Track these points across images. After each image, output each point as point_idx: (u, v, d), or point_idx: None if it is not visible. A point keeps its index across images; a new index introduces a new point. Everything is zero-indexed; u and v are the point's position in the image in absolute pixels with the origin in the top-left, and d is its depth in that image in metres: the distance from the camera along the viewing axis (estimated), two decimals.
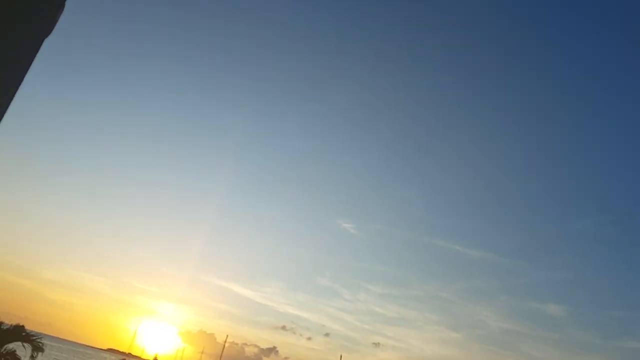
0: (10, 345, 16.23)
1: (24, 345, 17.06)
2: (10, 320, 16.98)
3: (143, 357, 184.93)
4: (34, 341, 16.95)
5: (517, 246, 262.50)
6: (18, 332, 16.69)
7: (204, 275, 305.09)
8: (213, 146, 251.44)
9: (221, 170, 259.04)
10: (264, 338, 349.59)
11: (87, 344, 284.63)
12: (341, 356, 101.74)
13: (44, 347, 17.52)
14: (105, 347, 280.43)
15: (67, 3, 2.47)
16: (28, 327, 17.40)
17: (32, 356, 17.14)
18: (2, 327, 16.54)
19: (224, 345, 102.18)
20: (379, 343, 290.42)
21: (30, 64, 1.95)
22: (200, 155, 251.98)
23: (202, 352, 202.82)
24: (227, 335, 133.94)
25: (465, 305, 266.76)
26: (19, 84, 1.94)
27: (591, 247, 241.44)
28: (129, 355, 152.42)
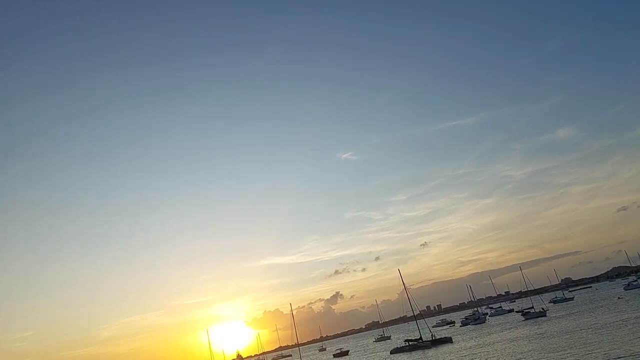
0: None
1: None
2: None
3: (227, 358, 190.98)
4: None
5: (507, 91, 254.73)
6: None
7: (242, 264, 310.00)
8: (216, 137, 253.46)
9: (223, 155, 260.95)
10: (324, 289, 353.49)
11: None
12: (399, 270, 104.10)
13: None
14: None
15: None
16: None
17: None
18: None
19: (292, 314, 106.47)
20: (425, 242, 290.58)
21: None
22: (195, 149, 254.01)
23: (276, 330, 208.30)
24: (291, 304, 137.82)
25: (485, 170, 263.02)
26: None
27: (571, 62, 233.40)
28: None
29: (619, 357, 27.75)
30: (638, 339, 34.07)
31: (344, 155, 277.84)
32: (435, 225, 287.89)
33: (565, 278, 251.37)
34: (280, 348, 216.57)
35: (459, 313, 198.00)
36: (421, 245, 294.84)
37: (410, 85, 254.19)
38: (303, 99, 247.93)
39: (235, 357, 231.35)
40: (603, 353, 31.31)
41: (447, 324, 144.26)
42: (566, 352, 37.35)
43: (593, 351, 33.85)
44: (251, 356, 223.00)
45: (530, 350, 43.17)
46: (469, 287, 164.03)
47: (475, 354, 49.94)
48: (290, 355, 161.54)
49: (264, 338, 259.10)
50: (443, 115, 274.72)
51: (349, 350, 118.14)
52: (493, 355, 44.92)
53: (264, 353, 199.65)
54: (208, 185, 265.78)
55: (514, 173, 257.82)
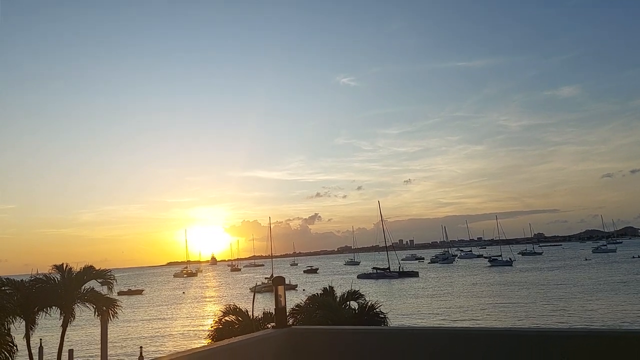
0: (87, 285, 17.47)
1: (99, 282, 18.37)
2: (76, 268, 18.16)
3: (202, 261, 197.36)
4: (104, 275, 18.25)
5: (519, 39, 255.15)
6: (88, 272, 17.84)
7: (228, 171, 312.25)
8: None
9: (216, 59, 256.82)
10: (304, 209, 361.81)
11: (148, 266, 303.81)
12: (379, 202, 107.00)
13: (113, 278, 18.82)
14: (165, 263, 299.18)
15: None
16: None
17: (108, 288, 18.41)
18: (72, 272, 17.69)
19: (270, 227, 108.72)
20: (409, 179, 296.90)
21: None
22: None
23: (252, 239, 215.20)
24: (270, 217, 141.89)
25: (482, 116, 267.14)
26: None
27: (593, 17, 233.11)
28: (188, 262, 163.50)
29: (563, 313, 28.69)
30: (593, 300, 35.16)
31: (343, 80, 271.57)
32: (422, 164, 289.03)
33: (538, 233, 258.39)
34: (254, 257, 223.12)
35: (430, 251, 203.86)
36: (405, 181, 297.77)
37: (420, 17, 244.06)
38: (306, 13, 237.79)
39: (210, 259, 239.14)
40: (550, 308, 32.47)
41: (417, 259, 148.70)
42: (517, 298, 38.67)
43: (542, 304, 35.09)
44: (225, 260, 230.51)
45: (485, 291, 44.68)
46: (443, 227, 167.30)
47: (435, 287, 51.61)
48: (263, 265, 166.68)
49: (240, 246, 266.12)
50: (449, 54, 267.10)
51: (318, 269, 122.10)
52: (450, 290, 46.46)
53: (237, 259, 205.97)
54: (202, 85, 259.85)
55: (510, 124, 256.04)
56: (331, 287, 16.57)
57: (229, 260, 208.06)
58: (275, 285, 5.51)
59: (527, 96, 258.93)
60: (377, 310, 14.68)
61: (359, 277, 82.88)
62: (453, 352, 3.60)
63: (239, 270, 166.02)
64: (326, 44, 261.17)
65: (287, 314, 6.44)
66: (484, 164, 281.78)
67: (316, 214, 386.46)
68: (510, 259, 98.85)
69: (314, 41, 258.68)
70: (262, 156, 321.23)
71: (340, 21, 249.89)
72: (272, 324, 4.68)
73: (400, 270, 79.11)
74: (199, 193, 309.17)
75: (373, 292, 47.48)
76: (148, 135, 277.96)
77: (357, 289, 16.53)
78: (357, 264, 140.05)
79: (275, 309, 5.24)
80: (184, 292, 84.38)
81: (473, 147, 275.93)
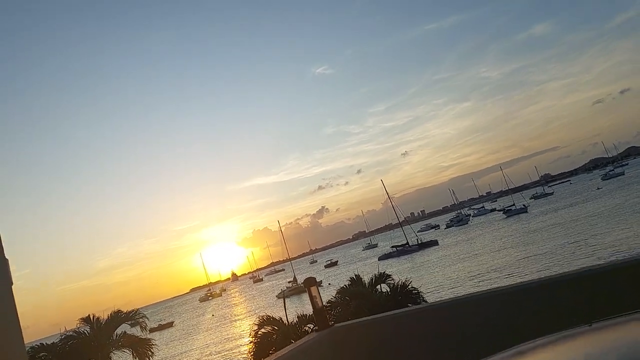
0: (118, 330, 17.30)
1: (129, 325, 18.20)
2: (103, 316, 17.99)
3: (223, 279, 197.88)
4: (133, 316, 18.05)
5: None
6: (117, 317, 17.65)
7: (227, 187, 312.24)
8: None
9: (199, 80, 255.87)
10: (310, 205, 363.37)
11: (172, 297, 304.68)
12: (382, 180, 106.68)
13: (143, 316, 18.63)
14: (188, 290, 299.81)
15: None
16: None
17: (141, 328, 18.22)
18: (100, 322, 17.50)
19: (281, 231, 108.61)
20: (406, 151, 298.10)
21: None
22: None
23: (267, 247, 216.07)
24: (278, 221, 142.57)
25: (463, 73, 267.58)
26: None
27: None
28: (210, 284, 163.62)
29: (590, 246, 28.47)
30: (619, 227, 34.93)
31: (317, 70, 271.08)
32: (415, 134, 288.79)
33: (545, 174, 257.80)
34: (273, 264, 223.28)
35: (443, 217, 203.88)
36: (402, 154, 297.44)
37: None
38: (267, 14, 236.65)
39: (230, 276, 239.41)
40: (578, 240, 32.25)
41: (432, 227, 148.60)
42: (545, 243, 38.44)
43: (575, 241, 34.87)
44: (245, 274, 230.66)
45: (510, 243, 44.48)
46: (451, 190, 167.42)
47: (459, 251, 51.45)
48: (283, 270, 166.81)
49: (256, 256, 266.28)
50: (418, 20, 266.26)
51: (337, 261, 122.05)
52: (475, 250, 46.30)
53: (257, 270, 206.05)
54: (182, 115, 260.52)
55: (491, 74, 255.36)
56: (357, 276, 16.40)
57: (249, 273, 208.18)
58: (308, 287, 5.28)
59: (502, 43, 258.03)
60: (409, 287, 14.52)
61: (380, 259, 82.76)
62: (494, 315, 3.38)
63: (261, 280, 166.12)
64: (294, 38, 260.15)
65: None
66: (475, 119, 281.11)
67: (323, 207, 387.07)
68: (524, 205, 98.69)
69: (282, 38, 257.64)
70: (257, 163, 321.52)
71: (301, 13, 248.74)
72: (310, 325, 4.49)
73: (419, 242, 79.00)
74: (205, 214, 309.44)
75: (399, 271, 47.34)
76: (145, 169, 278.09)
77: (383, 271, 16.39)
78: (375, 246, 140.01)
79: (313, 311, 5.02)
80: (213, 315, 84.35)
81: (460, 105, 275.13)
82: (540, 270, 28.21)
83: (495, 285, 28.00)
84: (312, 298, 5.22)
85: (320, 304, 5.16)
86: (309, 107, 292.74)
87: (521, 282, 3.76)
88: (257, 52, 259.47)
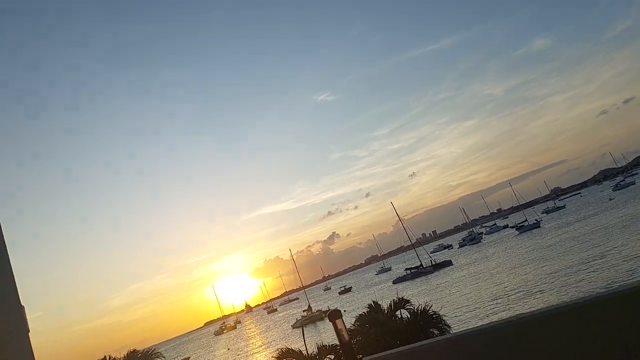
0: None
1: None
2: (119, 356, 17.76)
3: (237, 312, 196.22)
4: (149, 356, 17.78)
5: (479, 8, 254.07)
6: (133, 358, 17.41)
7: (237, 217, 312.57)
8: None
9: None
10: (320, 231, 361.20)
11: (188, 332, 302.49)
12: (392, 202, 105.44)
13: (160, 355, 18.37)
14: (202, 324, 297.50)
15: None
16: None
17: None
18: None
19: (293, 259, 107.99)
20: (413, 172, 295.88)
21: None
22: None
23: (279, 276, 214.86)
24: (290, 249, 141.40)
25: (465, 92, 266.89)
26: None
27: None
28: (224, 317, 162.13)
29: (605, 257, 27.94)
30: (636, 237, 34.35)
31: (320, 97, 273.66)
32: (421, 154, 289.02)
33: (555, 187, 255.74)
34: (286, 293, 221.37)
35: (455, 236, 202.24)
36: (410, 175, 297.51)
37: (378, 15, 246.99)
38: (268, 45, 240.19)
39: (244, 308, 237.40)
40: (596, 254, 31.63)
41: (445, 247, 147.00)
42: (562, 258, 37.78)
43: (593, 255, 34.25)
44: (259, 305, 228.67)
45: (527, 260, 43.75)
46: (462, 209, 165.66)
47: (475, 270, 50.69)
48: (297, 299, 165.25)
49: (269, 286, 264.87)
50: (416, 42, 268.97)
51: (351, 287, 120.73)
52: (492, 269, 45.58)
53: (271, 300, 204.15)
54: (188, 149, 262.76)
55: (493, 91, 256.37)
56: (376, 302, 16.09)
57: (262, 303, 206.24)
58: (333, 320, 5.06)
59: (502, 60, 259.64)
60: (429, 312, 14.18)
61: (394, 282, 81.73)
62: (528, 343, 3.14)
63: (276, 310, 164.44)
64: (295, 68, 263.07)
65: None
66: (480, 136, 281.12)
67: (334, 233, 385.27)
68: (536, 220, 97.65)
69: (283, 68, 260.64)
70: (265, 192, 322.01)
71: (301, 42, 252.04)
72: (330, 356, 4.25)
73: (433, 263, 78.08)
74: (216, 246, 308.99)
75: (415, 294, 46.64)
76: (154, 205, 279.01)
77: (401, 296, 16.07)
78: (389, 269, 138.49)
79: (340, 345, 4.78)
80: (228, 349, 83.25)
81: (464, 124, 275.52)
82: (563, 286, 27.61)
83: (519, 307, 27.35)
84: (338, 331, 4.98)
85: (347, 338, 4.91)
86: (313, 134, 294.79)
87: (562, 304, 3.46)
88: (260, 83, 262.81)
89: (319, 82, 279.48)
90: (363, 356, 4.67)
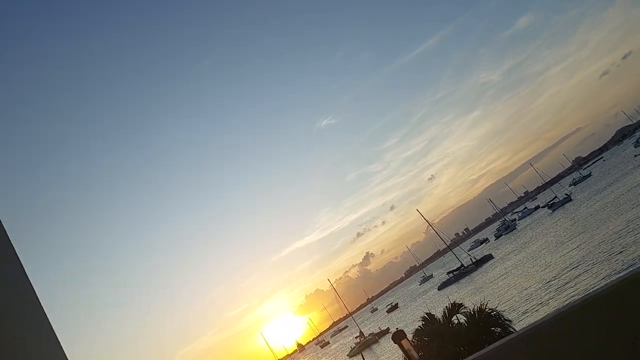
0: None
1: None
2: None
3: (290, 352, 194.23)
4: None
5: (450, 4, 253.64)
6: None
7: (269, 260, 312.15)
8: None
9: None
10: (354, 254, 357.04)
11: None
12: (418, 210, 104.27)
13: None
14: None
15: None
16: None
17: None
18: None
19: (334, 288, 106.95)
20: (432, 175, 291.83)
21: None
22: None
23: (324, 309, 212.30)
24: (328, 279, 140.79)
25: (463, 85, 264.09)
26: None
27: None
28: None
29: None
30: None
31: (323, 123, 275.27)
32: (435, 155, 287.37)
33: (576, 158, 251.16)
34: (334, 324, 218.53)
35: (488, 229, 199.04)
36: (429, 179, 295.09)
37: (360, 32, 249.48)
38: (258, 85, 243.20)
39: (296, 347, 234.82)
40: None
41: (482, 242, 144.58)
42: (604, 225, 36.76)
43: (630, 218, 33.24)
44: (310, 341, 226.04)
45: (569, 236, 42.63)
46: (489, 200, 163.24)
47: (519, 258, 49.49)
48: (347, 327, 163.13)
49: (316, 320, 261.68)
50: (404, 48, 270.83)
51: (397, 303, 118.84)
52: (536, 253, 44.45)
53: (321, 334, 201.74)
54: (202, 204, 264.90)
55: (491, 78, 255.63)
56: (429, 314, 15.56)
57: (313, 339, 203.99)
58: (398, 341, 4.76)
59: (491, 46, 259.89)
60: (486, 311, 13.64)
61: (439, 288, 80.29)
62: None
63: (328, 343, 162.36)
64: (290, 101, 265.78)
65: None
66: (488, 125, 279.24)
67: (367, 253, 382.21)
68: (566, 194, 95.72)
69: (281, 104, 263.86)
70: (290, 229, 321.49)
71: (294, 72, 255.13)
72: None
73: (474, 261, 76.60)
74: (256, 293, 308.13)
75: (465, 295, 45.58)
76: (186, 268, 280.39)
77: (452, 301, 15.54)
78: (431, 277, 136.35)
79: None
80: None
81: (470, 116, 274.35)
82: (619, 252, 26.62)
83: (575, 285, 26.33)
84: (406, 352, 4.68)
85: (416, 356, 4.59)
86: (325, 160, 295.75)
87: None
88: (261, 124, 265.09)
89: (318, 108, 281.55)
90: None
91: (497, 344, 3.83)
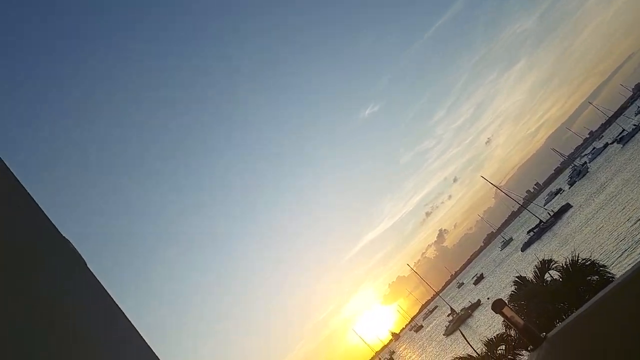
0: None
1: None
2: None
3: (385, 344, 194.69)
4: None
5: None
6: None
7: (344, 256, 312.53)
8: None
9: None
10: (427, 234, 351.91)
11: None
12: (482, 176, 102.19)
13: None
14: None
15: None
16: None
17: None
18: None
19: (414, 271, 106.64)
20: (488, 139, 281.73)
21: None
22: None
23: (409, 294, 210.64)
24: (407, 264, 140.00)
25: (499, 40, 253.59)
26: None
27: None
28: (377, 354, 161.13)
29: None
30: None
31: (366, 112, 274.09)
32: (488, 118, 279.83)
33: (636, 84, 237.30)
34: (423, 306, 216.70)
35: (560, 179, 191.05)
36: (486, 142, 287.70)
37: (382, 12, 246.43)
38: (294, 86, 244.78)
39: (391, 337, 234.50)
40: None
41: (556, 194, 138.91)
42: None
43: None
44: (403, 328, 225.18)
45: None
46: (553, 150, 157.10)
47: (601, 202, 47.36)
48: (437, 307, 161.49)
49: (404, 307, 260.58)
50: (429, 19, 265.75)
51: (482, 274, 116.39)
52: (617, 192, 42.38)
53: (412, 319, 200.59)
54: (270, 212, 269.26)
55: (526, 25, 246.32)
56: (520, 276, 15.25)
57: (406, 326, 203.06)
58: (499, 310, 4.75)
59: None
60: (580, 262, 13.20)
61: (522, 250, 78.05)
62: None
63: (421, 327, 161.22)
64: (332, 94, 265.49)
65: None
66: (535, 73, 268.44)
67: (441, 230, 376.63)
68: (635, 125, 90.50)
69: (320, 100, 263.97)
70: (357, 224, 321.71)
71: (329, 63, 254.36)
72: (502, 346, 3.95)
73: (552, 214, 73.88)
74: (338, 292, 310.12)
75: (552, 251, 44.06)
76: (264, 277, 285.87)
77: (541, 260, 15.14)
78: (511, 240, 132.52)
79: (517, 330, 4.46)
80: None
81: (514, 69, 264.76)
82: None
83: None
84: (509, 319, 4.71)
85: (521, 322, 4.62)
86: (375, 149, 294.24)
87: None
88: (308, 125, 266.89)
89: (358, 100, 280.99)
90: (546, 334, 4.31)
91: (600, 295, 3.78)
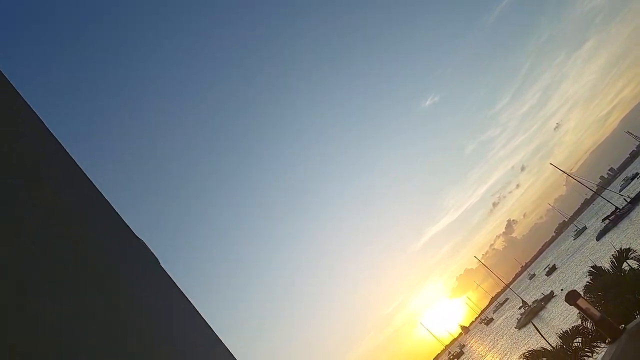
0: None
1: None
2: None
3: (455, 337, 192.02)
4: None
5: None
6: None
7: (406, 252, 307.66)
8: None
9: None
10: (495, 225, 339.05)
11: None
12: (551, 164, 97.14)
13: None
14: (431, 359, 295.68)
15: None
16: None
17: None
18: None
19: (482, 264, 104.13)
20: (557, 124, 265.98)
21: None
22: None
23: (477, 287, 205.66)
24: (475, 256, 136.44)
25: (565, 20, 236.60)
26: None
27: None
28: (446, 348, 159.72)
29: None
30: None
31: (427, 103, 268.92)
32: (556, 102, 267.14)
33: None
34: (493, 299, 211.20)
35: (636, 163, 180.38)
36: (554, 128, 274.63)
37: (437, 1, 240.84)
38: (364, 77, 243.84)
39: (461, 330, 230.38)
40: None
41: (632, 178, 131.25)
42: None
43: None
44: (473, 321, 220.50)
45: None
46: (628, 132, 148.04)
47: None
48: (507, 299, 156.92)
49: (473, 299, 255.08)
50: (486, 4, 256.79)
51: (554, 264, 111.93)
52: None
53: (482, 312, 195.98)
54: (331, 209, 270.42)
55: (595, 2, 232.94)
56: (595, 266, 14.66)
57: (476, 319, 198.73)
58: (574, 302, 4.74)
59: None
60: None
61: (597, 238, 74.27)
62: None
63: (492, 320, 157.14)
64: (393, 86, 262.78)
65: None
66: (606, 53, 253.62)
67: (509, 220, 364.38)
68: None
69: (388, 92, 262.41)
70: (421, 217, 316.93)
71: (387, 63, 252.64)
72: (578, 339, 3.93)
73: (629, 200, 69.90)
74: (404, 286, 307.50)
75: (630, 239, 41.84)
76: (333, 276, 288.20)
77: (619, 248, 14.50)
78: (585, 229, 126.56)
79: (594, 322, 4.44)
80: None
81: (583, 49, 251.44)
82: None
83: None
84: (584, 311, 4.67)
85: (598, 314, 4.57)
86: (437, 140, 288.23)
87: None
88: (370, 119, 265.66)
89: (418, 90, 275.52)
90: (625, 326, 4.26)
91: None
